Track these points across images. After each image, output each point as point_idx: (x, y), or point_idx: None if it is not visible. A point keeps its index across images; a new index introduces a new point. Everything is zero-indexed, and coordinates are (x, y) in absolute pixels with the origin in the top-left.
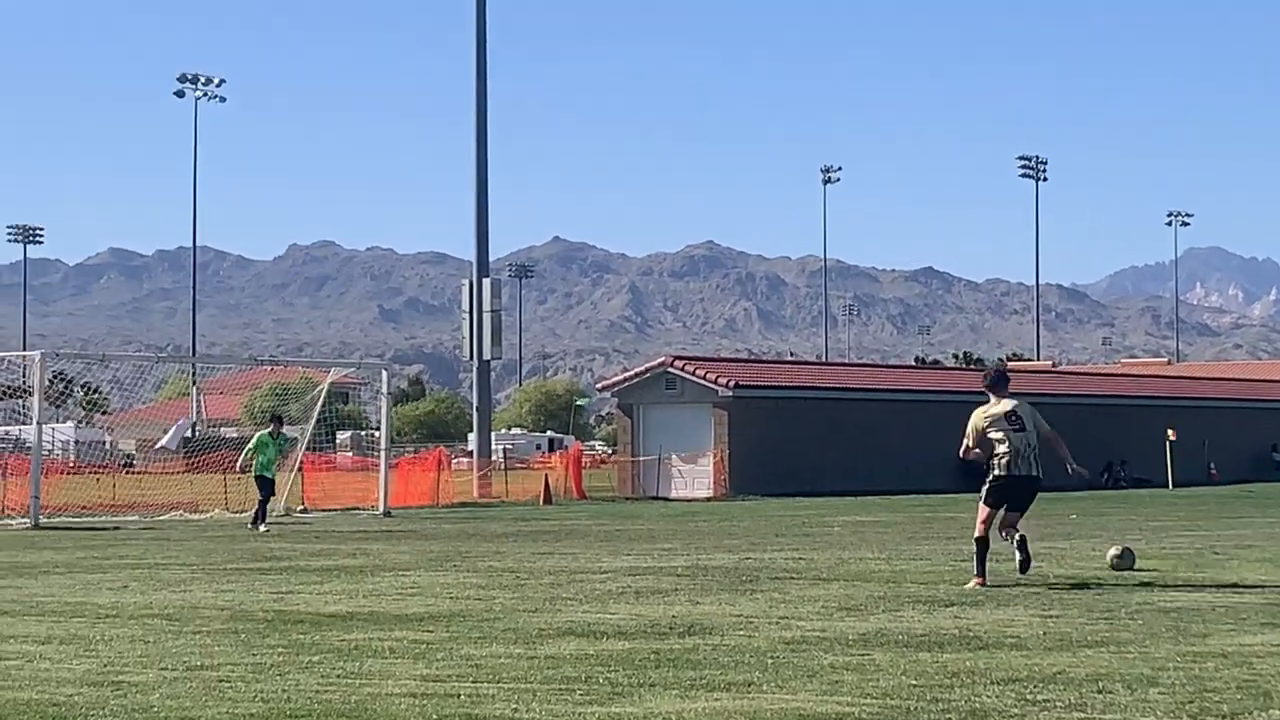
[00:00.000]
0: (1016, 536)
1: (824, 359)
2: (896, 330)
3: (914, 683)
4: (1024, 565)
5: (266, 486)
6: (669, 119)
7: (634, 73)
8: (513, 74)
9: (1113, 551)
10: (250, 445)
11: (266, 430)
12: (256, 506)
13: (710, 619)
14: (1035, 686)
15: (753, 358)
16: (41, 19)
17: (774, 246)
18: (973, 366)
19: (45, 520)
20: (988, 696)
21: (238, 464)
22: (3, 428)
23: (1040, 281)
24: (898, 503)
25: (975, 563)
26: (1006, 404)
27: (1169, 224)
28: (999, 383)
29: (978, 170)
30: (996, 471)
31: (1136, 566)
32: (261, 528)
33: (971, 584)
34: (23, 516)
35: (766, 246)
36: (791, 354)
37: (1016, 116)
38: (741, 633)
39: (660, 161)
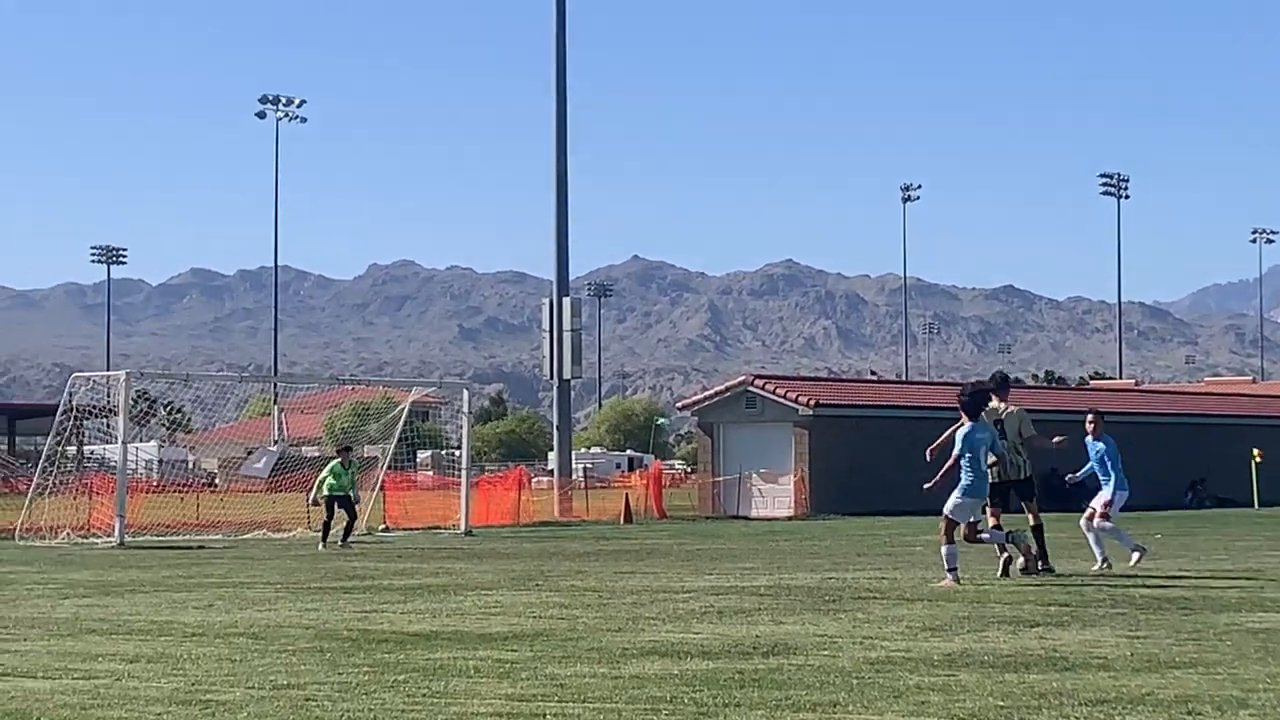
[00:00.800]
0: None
1: (904, 377)
2: (977, 349)
3: (1000, 704)
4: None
5: (331, 507)
6: (748, 137)
7: (713, 91)
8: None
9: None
10: (321, 475)
11: (337, 460)
12: (320, 527)
13: (794, 639)
14: (1123, 708)
15: (832, 376)
16: (125, 41)
17: (853, 264)
18: (1055, 385)
19: (130, 539)
20: (1075, 718)
21: (309, 496)
22: (88, 447)
23: (1122, 299)
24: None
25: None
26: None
27: (1253, 241)
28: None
29: (1058, 187)
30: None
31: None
32: (320, 547)
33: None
34: (108, 535)
35: (846, 264)
36: (872, 372)
37: (1098, 133)
38: (826, 653)
39: (739, 180)
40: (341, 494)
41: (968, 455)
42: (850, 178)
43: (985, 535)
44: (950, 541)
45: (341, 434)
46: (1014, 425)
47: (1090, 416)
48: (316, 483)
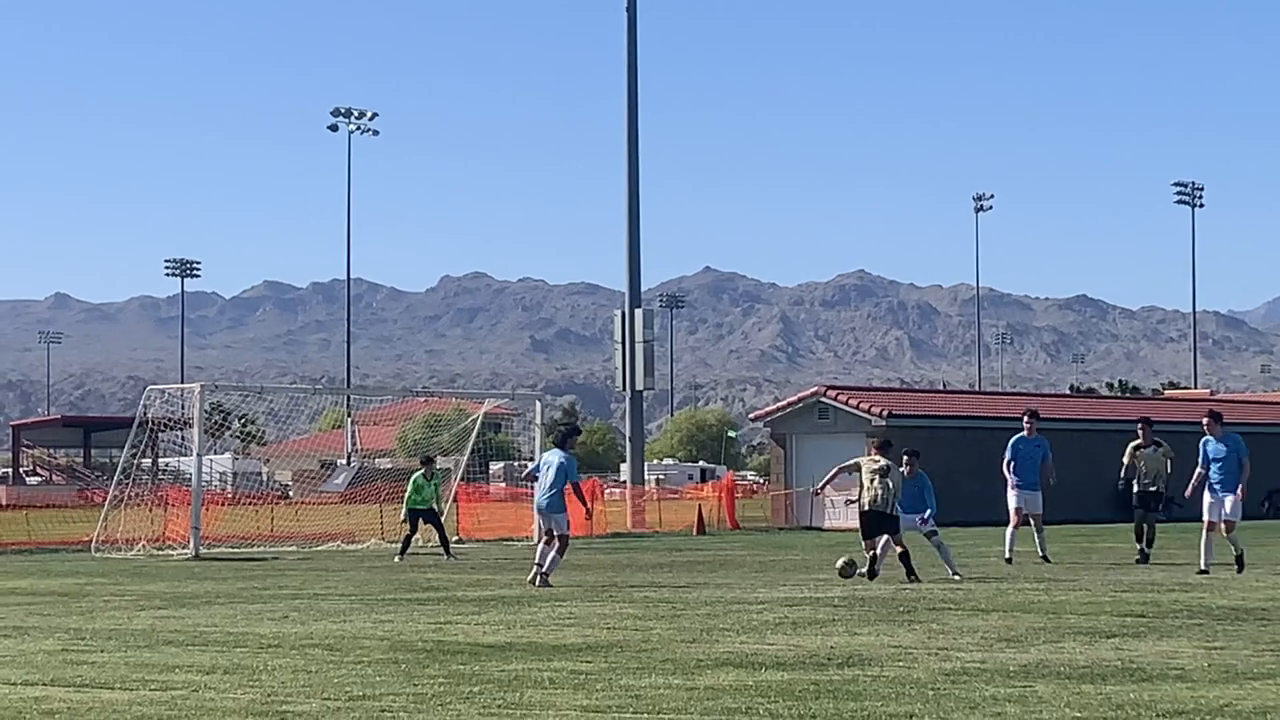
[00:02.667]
0: (897, 551)
1: (977, 388)
2: (1050, 359)
3: (1078, 715)
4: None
5: (415, 522)
6: (821, 148)
7: (785, 101)
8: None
9: (841, 560)
10: (409, 489)
11: (419, 472)
12: (402, 540)
13: (869, 650)
14: (1202, 719)
15: (905, 387)
16: (199, 56)
17: (926, 275)
18: (1129, 395)
19: (205, 551)
20: None
21: (402, 514)
22: (163, 460)
23: (1197, 308)
24: (1053, 533)
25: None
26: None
27: None
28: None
29: (1132, 196)
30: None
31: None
32: (397, 559)
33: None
34: (184, 547)
35: (918, 275)
36: (944, 383)
37: (1172, 141)
38: (901, 664)
39: (811, 190)
40: (424, 507)
41: None
42: (922, 187)
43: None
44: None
45: (414, 445)
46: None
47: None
48: (407, 496)
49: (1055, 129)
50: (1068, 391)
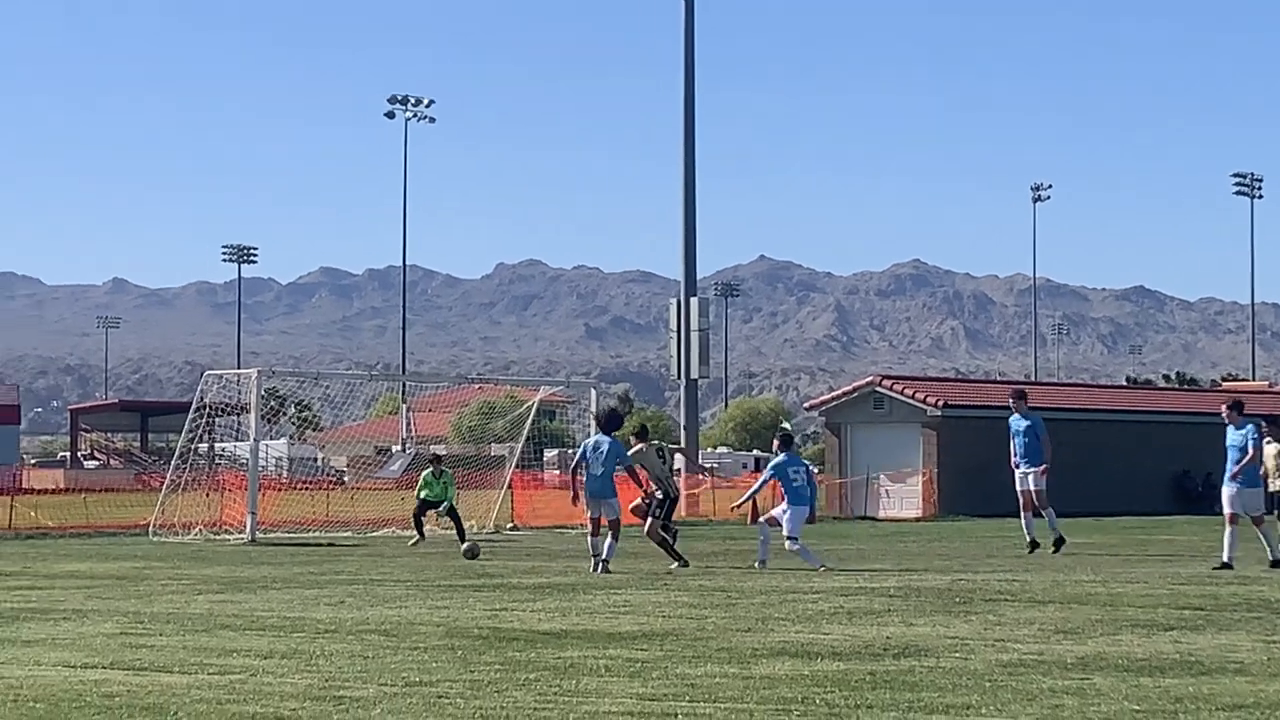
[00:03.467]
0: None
1: (1033, 378)
2: (1107, 350)
3: (1136, 708)
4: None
5: (421, 516)
6: (876, 137)
7: (840, 90)
8: (720, 92)
9: (464, 546)
10: (419, 485)
11: (428, 470)
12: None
13: (925, 640)
14: (1262, 713)
15: (960, 377)
16: (255, 43)
17: (982, 265)
18: (1186, 387)
19: (261, 536)
20: None
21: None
22: (219, 444)
23: (1255, 300)
24: (1110, 524)
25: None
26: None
27: None
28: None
29: (1191, 187)
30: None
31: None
32: (412, 544)
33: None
34: (240, 532)
35: (974, 264)
36: (1000, 374)
37: (1230, 133)
38: (957, 655)
39: (867, 179)
40: (435, 500)
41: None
42: (979, 177)
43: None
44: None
45: (469, 432)
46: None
47: (1225, 408)
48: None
49: (1114, 119)
50: (1124, 383)
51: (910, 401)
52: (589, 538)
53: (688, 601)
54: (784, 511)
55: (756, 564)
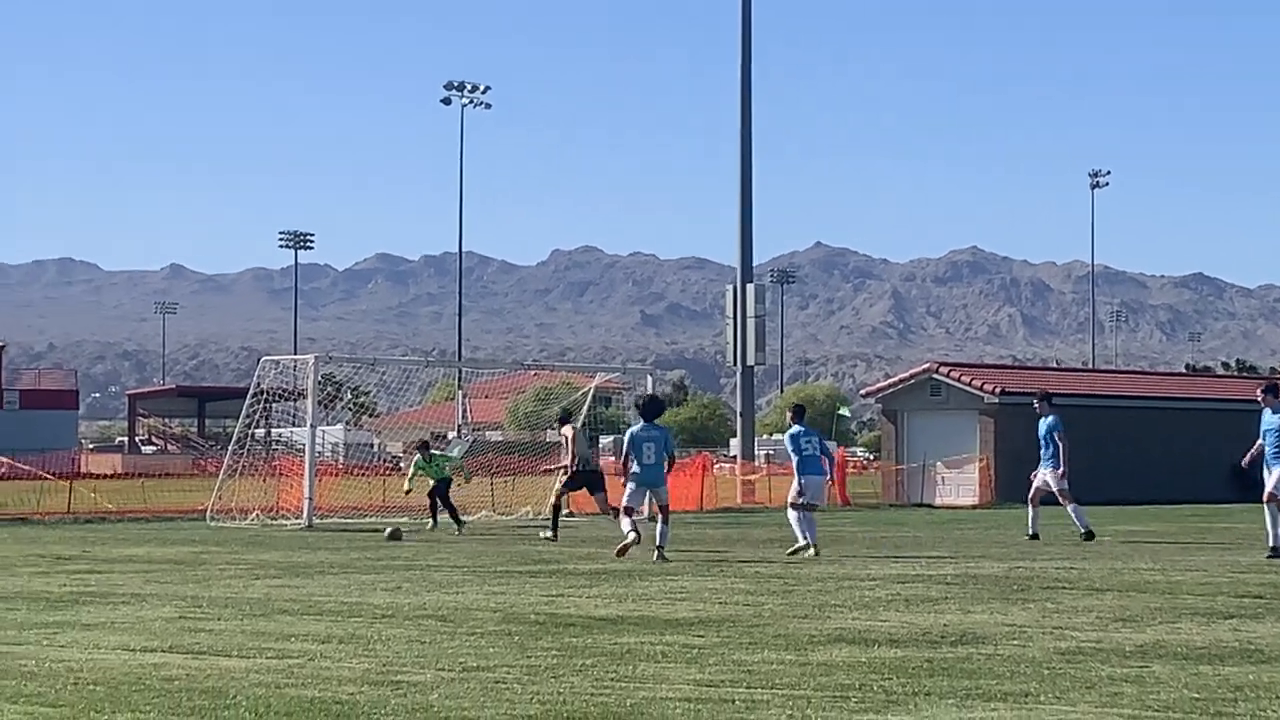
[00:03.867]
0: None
1: (1091, 366)
2: (1165, 337)
3: (1195, 696)
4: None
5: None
6: (933, 123)
7: (897, 76)
8: (776, 78)
9: (387, 531)
10: (411, 472)
11: (416, 458)
12: (446, 511)
13: (983, 628)
14: None
15: (1017, 364)
16: (311, 30)
17: (1039, 251)
18: (1245, 374)
19: (318, 521)
20: (1273, 711)
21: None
22: (276, 430)
23: None
24: (1168, 512)
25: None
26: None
27: None
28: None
29: (1250, 173)
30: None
31: None
32: (456, 531)
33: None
34: (297, 517)
35: (1031, 251)
36: (1057, 361)
37: None
38: (1015, 642)
39: (924, 166)
40: (438, 478)
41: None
42: (1037, 163)
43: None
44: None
45: (525, 419)
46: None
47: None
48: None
49: (1173, 105)
50: (1183, 370)
51: (967, 389)
52: (625, 519)
53: (744, 588)
54: (801, 483)
55: (809, 550)
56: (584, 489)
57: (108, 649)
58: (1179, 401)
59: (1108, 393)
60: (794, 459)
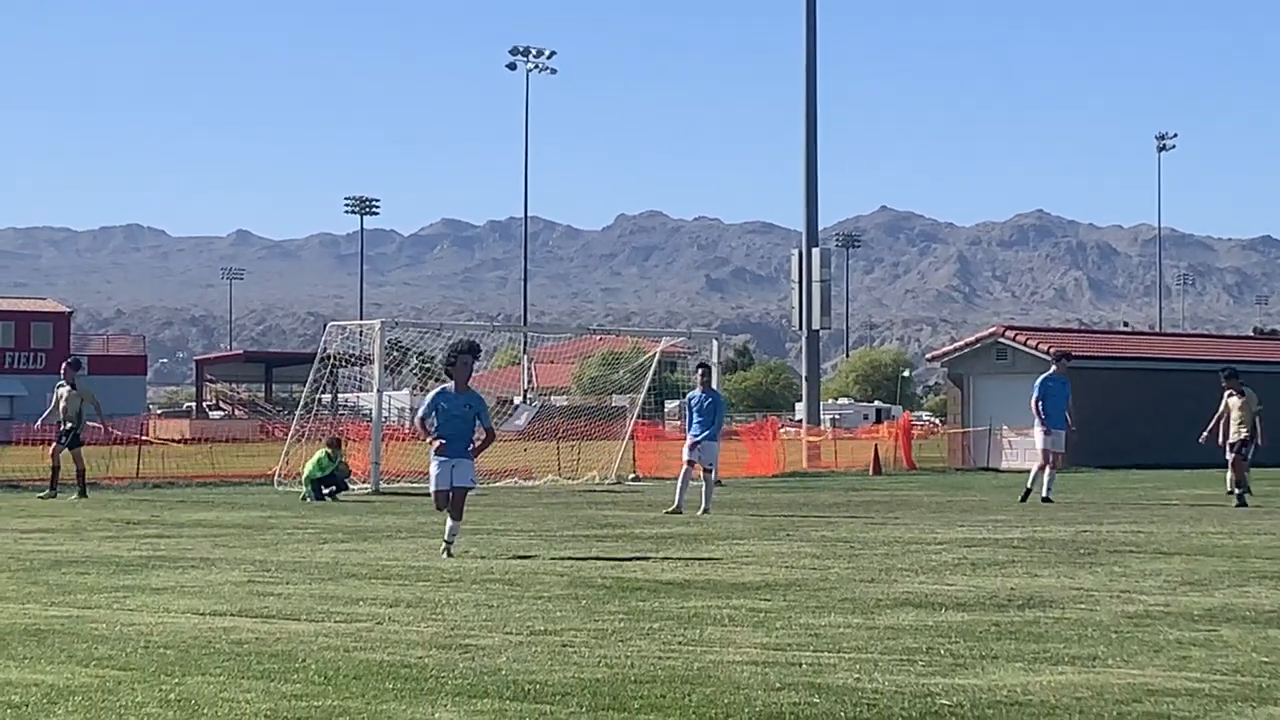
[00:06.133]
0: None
1: (1158, 329)
2: (1233, 300)
3: (1265, 660)
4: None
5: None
6: (998, 86)
7: (962, 39)
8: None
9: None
10: (310, 468)
11: (324, 452)
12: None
13: (1049, 591)
14: None
15: (1084, 328)
16: None
17: (1105, 215)
18: None
19: (385, 485)
20: None
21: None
22: (342, 395)
23: None
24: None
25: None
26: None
27: None
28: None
29: None
30: None
31: None
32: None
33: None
34: (364, 482)
35: (1098, 215)
36: (1125, 324)
37: None
38: (1082, 606)
39: (989, 129)
40: (321, 475)
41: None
42: (1103, 126)
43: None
44: None
45: (590, 383)
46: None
47: None
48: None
49: (1240, 67)
50: (1251, 334)
51: (1033, 352)
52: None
53: (811, 552)
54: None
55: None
56: None
57: (177, 613)
58: (1247, 364)
59: (1175, 355)
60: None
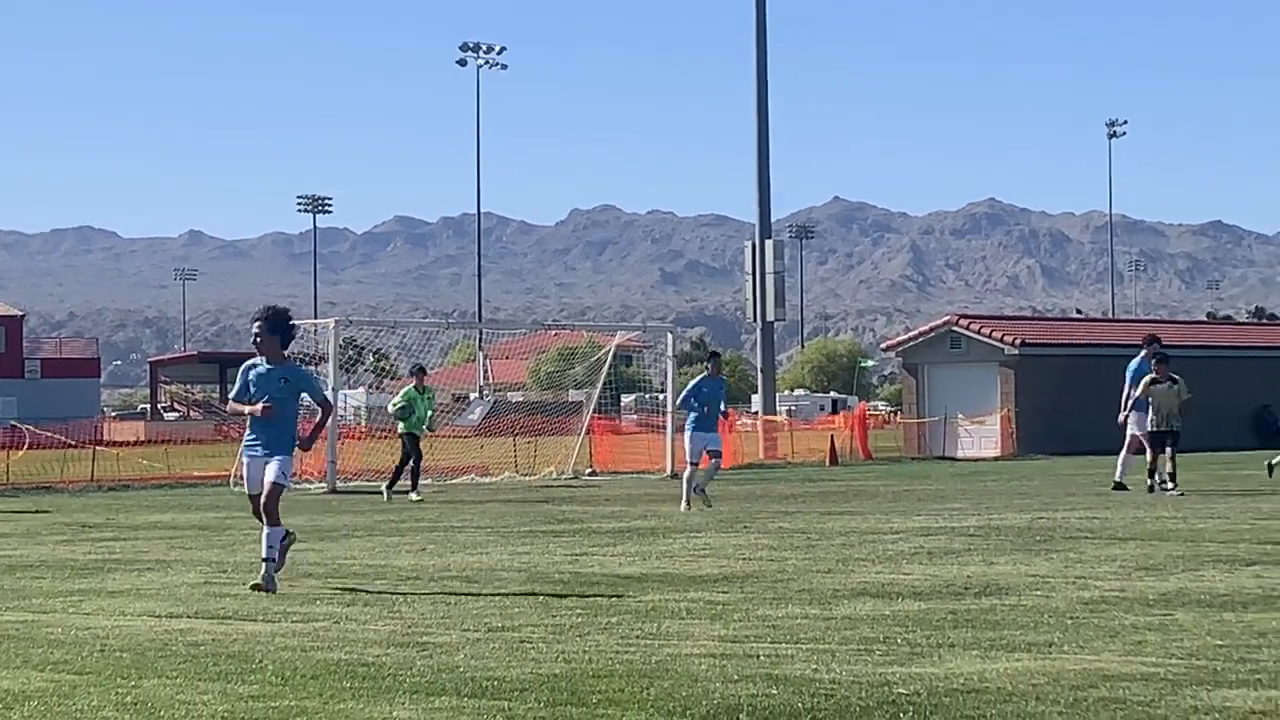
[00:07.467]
0: None
1: (1110, 316)
2: (1184, 285)
3: (1219, 643)
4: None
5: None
6: (949, 74)
7: (913, 29)
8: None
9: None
10: (398, 403)
11: (411, 385)
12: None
13: (1006, 579)
14: None
15: (1037, 315)
16: None
17: (1057, 202)
18: (1266, 321)
19: (342, 485)
20: None
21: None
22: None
23: None
24: (1189, 460)
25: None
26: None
27: None
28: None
29: (1267, 120)
30: None
31: None
32: (391, 496)
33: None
34: (320, 481)
35: (1049, 202)
36: (1078, 311)
37: None
38: (1038, 593)
39: (941, 118)
40: (418, 431)
41: None
42: (1054, 113)
43: None
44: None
45: (547, 379)
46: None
47: None
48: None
49: (1189, 53)
50: (1204, 319)
51: (988, 340)
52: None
53: (768, 544)
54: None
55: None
56: None
57: (133, 615)
58: (1199, 350)
59: (1128, 342)
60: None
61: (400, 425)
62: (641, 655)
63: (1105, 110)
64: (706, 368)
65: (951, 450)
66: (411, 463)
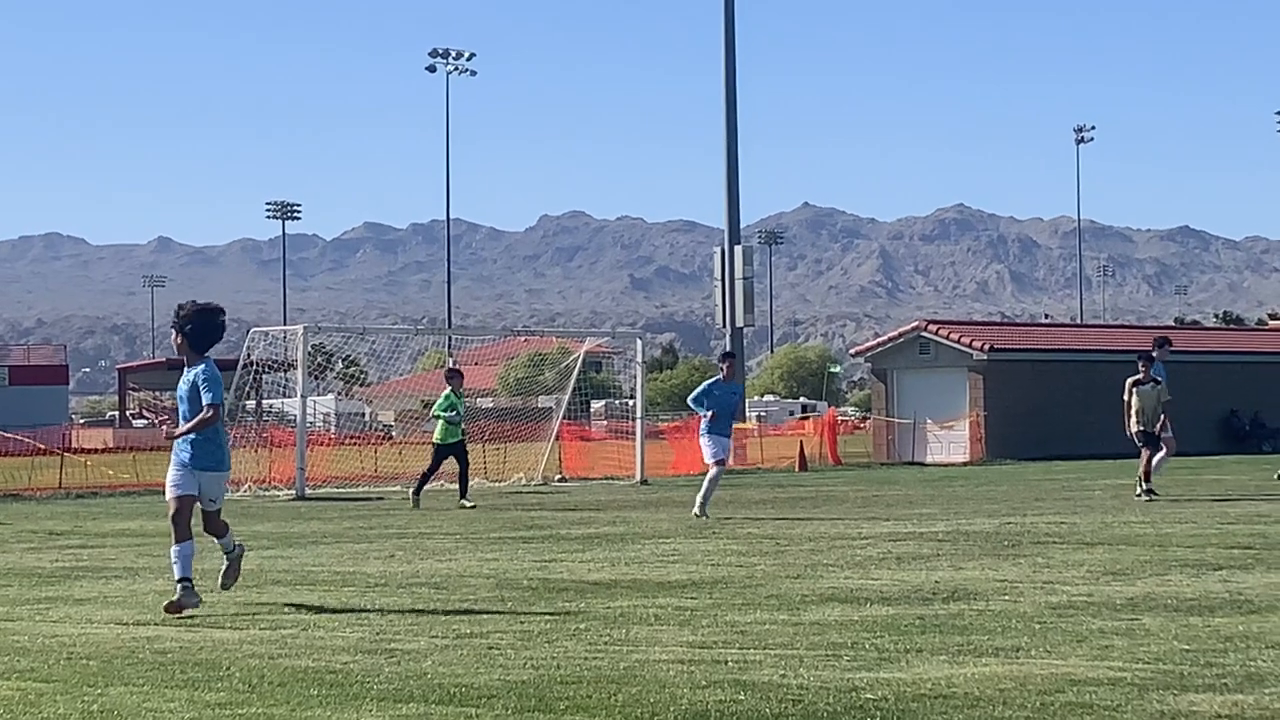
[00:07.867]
0: None
1: (1079, 321)
2: (1152, 290)
3: (1186, 648)
4: None
5: (444, 455)
6: (918, 80)
7: (881, 36)
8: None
9: None
10: (440, 406)
11: (450, 389)
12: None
13: (974, 584)
14: None
15: (1006, 320)
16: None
17: (1025, 208)
18: (1233, 326)
19: (310, 491)
20: (1263, 661)
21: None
22: (267, 401)
23: None
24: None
25: None
26: None
27: None
28: None
29: (1234, 126)
30: None
31: None
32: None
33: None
34: (289, 488)
35: (1018, 208)
36: (1046, 316)
37: (1274, 70)
38: (1006, 598)
39: (909, 124)
40: (456, 441)
41: None
42: (1022, 119)
43: None
44: None
45: (516, 385)
46: None
47: None
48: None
49: (1157, 59)
50: (1172, 324)
51: (956, 346)
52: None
53: (737, 549)
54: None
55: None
56: None
57: (100, 623)
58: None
59: (1097, 347)
60: None
61: (437, 432)
62: (610, 661)
63: (1073, 116)
64: (721, 369)
65: (921, 455)
66: (459, 468)
